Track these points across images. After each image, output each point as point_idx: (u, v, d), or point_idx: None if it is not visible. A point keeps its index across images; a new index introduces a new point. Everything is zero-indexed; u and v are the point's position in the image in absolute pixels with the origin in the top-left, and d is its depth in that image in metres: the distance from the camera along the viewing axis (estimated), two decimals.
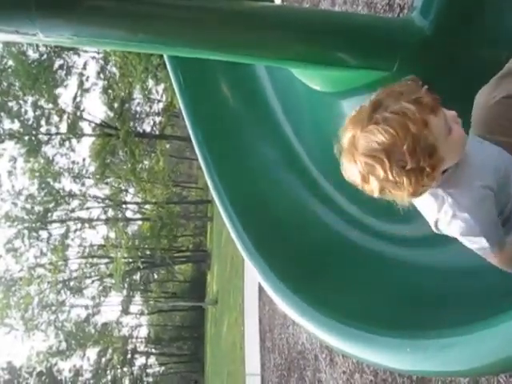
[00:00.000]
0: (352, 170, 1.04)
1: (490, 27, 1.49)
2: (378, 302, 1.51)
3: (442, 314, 1.31)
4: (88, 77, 23.30)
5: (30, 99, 22.24)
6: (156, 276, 36.82)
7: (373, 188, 1.04)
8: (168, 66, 2.18)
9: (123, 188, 28.20)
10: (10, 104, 21.81)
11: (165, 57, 2.21)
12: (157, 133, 26.16)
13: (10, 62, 21.00)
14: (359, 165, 1.01)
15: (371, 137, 0.98)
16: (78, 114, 23.42)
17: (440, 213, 1.14)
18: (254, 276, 1.88)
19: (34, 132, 22.51)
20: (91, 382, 32.83)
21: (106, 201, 27.54)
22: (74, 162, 24.75)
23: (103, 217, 27.63)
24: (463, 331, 1.10)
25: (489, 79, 1.45)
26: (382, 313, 1.44)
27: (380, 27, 1.54)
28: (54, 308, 27.79)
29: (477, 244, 1.15)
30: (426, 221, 1.67)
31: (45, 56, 21.29)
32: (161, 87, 24.79)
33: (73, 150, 24.26)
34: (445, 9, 1.54)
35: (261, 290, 8.89)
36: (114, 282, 27.39)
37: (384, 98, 1.02)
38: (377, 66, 1.50)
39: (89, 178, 25.76)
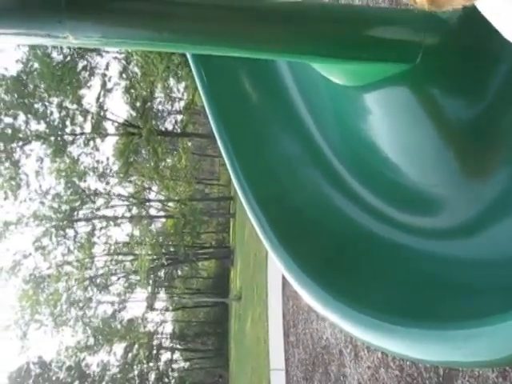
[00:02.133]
0: None
1: None
2: (402, 293, 1.52)
3: (467, 305, 1.31)
4: (111, 77, 23.65)
5: (55, 100, 22.70)
6: (180, 272, 37.21)
7: None
8: (191, 63, 2.22)
9: (147, 186, 28.57)
10: (36, 106, 22.32)
11: (187, 54, 2.24)
12: (179, 131, 26.37)
13: (36, 65, 21.47)
14: None
15: None
16: (102, 113, 23.81)
17: None
18: (277, 271, 1.91)
19: (59, 132, 22.99)
20: (118, 376, 33.45)
21: (130, 199, 27.95)
22: (98, 162, 25.17)
23: (128, 215, 28.06)
24: (489, 321, 1.10)
25: None
26: (406, 304, 1.44)
27: (402, 20, 1.53)
28: (81, 304, 28.39)
29: None
30: (450, 212, 1.66)
31: (68, 58, 21.70)
32: (182, 85, 25.00)
33: (97, 150, 24.68)
34: None
35: (284, 285, 8.92)
36: (138, 278, 27.82)
37: None
38: (399, 59, 1.49)
39: (113, 176, 26.17)
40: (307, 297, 1.67)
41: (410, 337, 1.31)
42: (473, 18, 1.52)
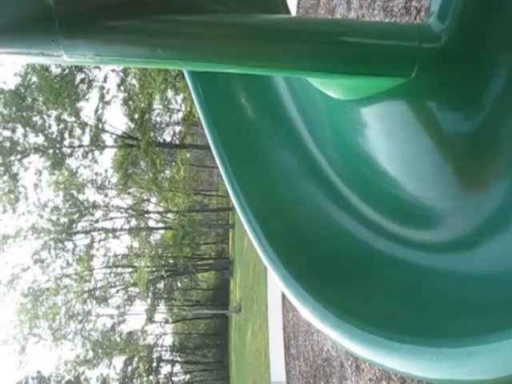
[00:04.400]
0: None
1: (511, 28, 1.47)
2: (402, 310, 1.50)
3: (469, 321, 1.29)
4: (109, 89, 23.78)
5: (54, 113, 22.79)
6: (179, 284, 37.07)
7: None
8: (186, 77, 2.22)
9: (145, 198, 28.59)
10: (34, 119, 22.39)
11: (183, 70, 2.25)
12: (177, 142, 26.45)
13: (34, 78, 21.58)
14: None
15: None
16: (100, 126, 23.88)
17: None
18: (277, 283, 1.89)
19: (57, 145, 23.04)
20: None
21: (129, 211, 27.93)
22: (96, 174, 25.20)
23: (126, 226, 28.01)
24: (493, 338, 1.08)
25: (510, 81, 1.42)
26: (407, 320, 1.42)
27: (396, 34, 1.53)
28: (80, 317, 28.22)
29: None
30: (449, 226, 1.65)
31: (67, 71, 21.82)
32: (180, 97, 25.11)
33: (96, 162, 24.72)
34: (463, 12, 1.53)
35: (284, 296, 8.88)
36: (138, 290, 27.70)
37: None
38: (395, 73, 1.49)
39: (111, 188, 26.18)
40: (306, 313, 1.65)
41: (411, 354, 1.29)
42: (468, 31, 1.52)
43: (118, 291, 29.76)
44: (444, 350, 1.19)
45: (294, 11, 7.49)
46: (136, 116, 23.84)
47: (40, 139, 22.65)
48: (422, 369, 1.25)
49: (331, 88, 1.75)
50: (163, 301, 35.29)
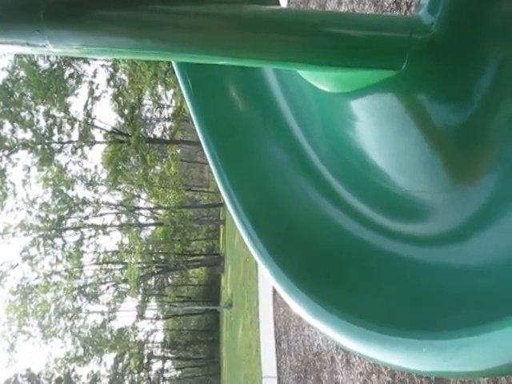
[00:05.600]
0: None
1: (502, 22, 1.47)
2: (393, 303, 1.50)
3: (459, 314, 1.29)
4: (98, 85, 23.57)
5: (42, 109, 22.54)
6: (170, 280, 37.02)
7: None
8: (176, 71, 2.19)
9: (136, 194, 28.44)
10: (22, 114, 22.13)
11: (173, 63, 2.22)
12: (167, 138, 26.33)
13: (22, 73, 21.32)
14: None
15: None
16: (90, 121, 23.68)
17: None
18: (267, 278, 1.88)
19: (46, 141, 22.81)
20: None
21: (119, 207, 27.77)
22: (86, 170, 25.01)
23: (117, 223, 27.86)
24: (481, 330, 1.08)
25: (500, 75, 1.43)
26: (397, 313, 1.42)
27: (387, 26, 1.52)
28: (70, 314, 28.06)
29: None
30: (439, 219, 1.65)
31: (55, 66, 21.59)
32: (170, 92, 24.99)
33: (85, 158, 24.52)
34: (453, 5, 1.52)
35: (275, 292, 8.89)
36: (128, 287, 27.59)
37: None
38: (385, 66, 1.48)
39: (101, 184, 26.00)
40: (298, 309, 1.65)
41: (402, 347, 1.29)
42: (458, 23, 1.52)
43: (108, 288, 29.62)
44: (435, 342, 1.19)
45: (284, 5, 7.46)
46: (126, 111, 23.68)
47: (28, 135, 22.43)
48: (413, 361, 1.25)
49: (322, 81, 1.74)
50: (154, 297, 35.21)
